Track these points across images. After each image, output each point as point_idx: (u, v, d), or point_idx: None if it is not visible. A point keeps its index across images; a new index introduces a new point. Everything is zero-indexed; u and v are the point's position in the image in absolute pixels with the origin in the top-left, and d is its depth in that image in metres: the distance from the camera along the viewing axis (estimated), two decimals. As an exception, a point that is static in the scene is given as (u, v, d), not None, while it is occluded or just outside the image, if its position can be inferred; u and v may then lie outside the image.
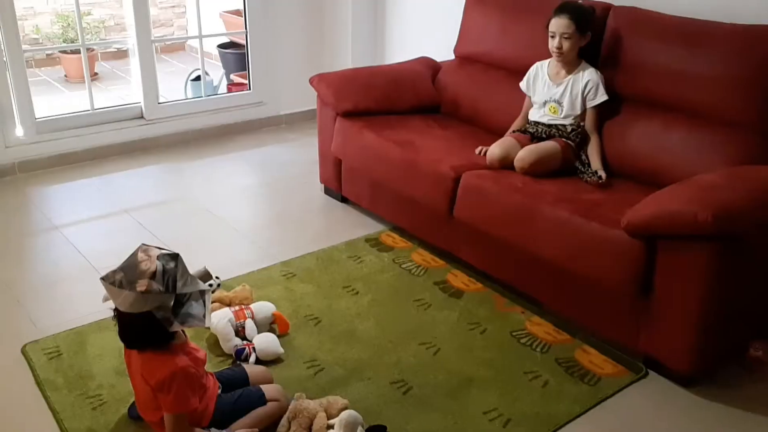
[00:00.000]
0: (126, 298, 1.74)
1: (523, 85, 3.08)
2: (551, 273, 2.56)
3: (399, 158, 3.04)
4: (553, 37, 2.84)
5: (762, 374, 2.37)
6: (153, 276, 1.74)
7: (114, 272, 1.77)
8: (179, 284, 1.76)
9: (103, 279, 1.78)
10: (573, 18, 2.79)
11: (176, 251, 1.83)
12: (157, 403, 1.87)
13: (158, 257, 1.77)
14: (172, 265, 1.77)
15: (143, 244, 1.83)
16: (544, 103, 2.97)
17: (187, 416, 1.87)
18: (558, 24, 2.81)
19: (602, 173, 2.74)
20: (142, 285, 1.73)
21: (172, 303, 1.75)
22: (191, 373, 1.85)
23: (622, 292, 2.33)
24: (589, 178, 2.74)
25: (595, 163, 2.82)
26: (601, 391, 2.28)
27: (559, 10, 2.82)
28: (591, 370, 2.37)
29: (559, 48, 2.83)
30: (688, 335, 2.19)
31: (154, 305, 1.74)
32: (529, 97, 3.06)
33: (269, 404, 2.03)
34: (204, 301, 1.80)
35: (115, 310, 1.81)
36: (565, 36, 2.80)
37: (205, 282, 1.84)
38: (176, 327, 1.78)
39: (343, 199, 3.60)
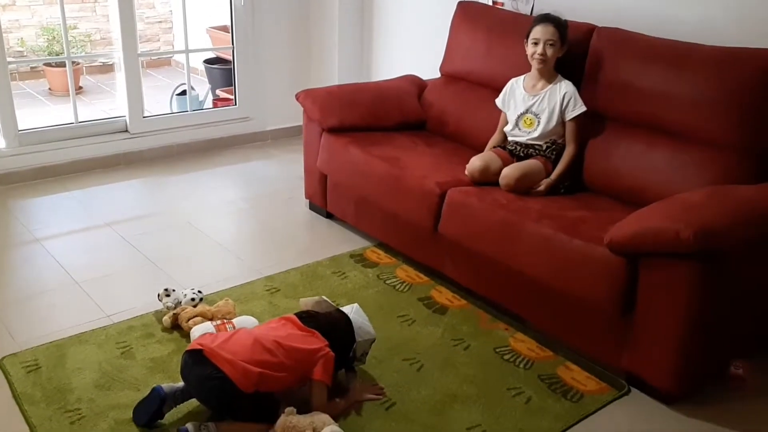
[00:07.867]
0: None
1: (498, 101, 3.10)
2: (535, 290, 2.56)
3: (384, 174, 3.05)
4: (536, 43, 2.88)
5: (743, 392, 2.39)
6: None
7: None
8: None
9: None
10: (557, 26, 2.86)
11: None
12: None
13: None
14: None
15: None
16: (520, 116, 2.99)
17: None
18: (543, 31, 2.86)
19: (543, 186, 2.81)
20: None
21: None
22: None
23: (605, 310, 2.34)
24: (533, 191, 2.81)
25: (557, 171, 2.86)
26: (584, 407, 2.28)
27: (543, 19, 2.88)
28: (574, 387, 2.37)
29: (543, 54, 2.86)
30: (671, 353, 2.21)
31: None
32: (505, 114, 3.09)
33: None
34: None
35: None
36: (550, 42, 2.85)
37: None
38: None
39: (329, 215, 3.60)
